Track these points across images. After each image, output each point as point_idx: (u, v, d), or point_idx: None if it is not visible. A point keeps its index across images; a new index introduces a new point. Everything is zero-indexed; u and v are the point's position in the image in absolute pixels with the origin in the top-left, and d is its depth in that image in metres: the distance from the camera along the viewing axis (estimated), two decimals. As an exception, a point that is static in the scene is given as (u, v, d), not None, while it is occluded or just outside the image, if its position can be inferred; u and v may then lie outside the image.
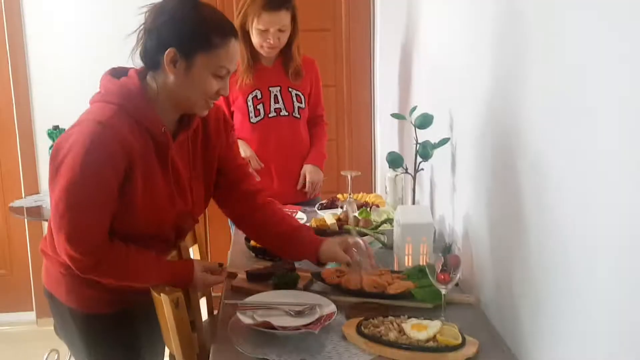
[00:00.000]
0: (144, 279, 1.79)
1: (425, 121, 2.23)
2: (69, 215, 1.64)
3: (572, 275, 1.31)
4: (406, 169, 2.30)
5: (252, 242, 2.31)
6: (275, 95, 2.95)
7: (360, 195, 2.87)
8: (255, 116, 2.93)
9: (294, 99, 2.97)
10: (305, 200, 3.05)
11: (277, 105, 2.95)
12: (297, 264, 2.09)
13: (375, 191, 3.92)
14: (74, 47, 3.84)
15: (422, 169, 2.28)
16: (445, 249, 1.81)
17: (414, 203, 2.33)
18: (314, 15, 3.78)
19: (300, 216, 2.69)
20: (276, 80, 2.95)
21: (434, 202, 2.42)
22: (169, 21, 1.66)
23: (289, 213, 2.25)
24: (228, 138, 1.98)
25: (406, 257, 2.07)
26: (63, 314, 1.89)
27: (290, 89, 2.97)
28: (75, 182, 1.62)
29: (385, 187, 2.61)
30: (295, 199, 3.02)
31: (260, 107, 2.93)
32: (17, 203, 3.58)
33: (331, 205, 2.81)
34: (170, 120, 1.77)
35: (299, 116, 2.99)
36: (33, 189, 3.92)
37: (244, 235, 2.37)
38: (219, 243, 3.91)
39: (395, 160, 2.27)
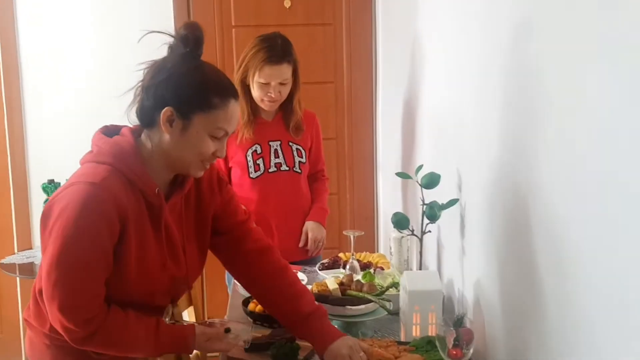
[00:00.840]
0: (143, 348, 1.70)
1: (432, 181, 2.13)
2: (62, 282, 1.56)
3: (596, 347, 1.19)
4: (412, 231, 2.19)
5: (250, 307, 2.19)
6: (276, 150, 2.86)
7: (363, 254, 2.76)
8: (255, 171, 2.84)
9: (295, 153, 2.89)
10: (306, 259, 2.94)
11: (277, 160, 2.86)
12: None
13: (378, 249, 3.80)
14: (71, 100, 3.77)
15: (429, 231, 2.17)
16: (456, 321, 1.69)
17: (420, 267, 2.22)
18: (315, 67, 3.72)
19: (301, 277, 2.57)
20: (276, 135, 2.87)
21: (441, 265, 2.31)
22: (168, 79, 1.62)
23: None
24: (223, 196, 1.90)
25: (414, 327, 1.95)
26: None
27: (290, 143, 2.89)
28: (68, 247, 1.55)
29: (390, 248, 2.49)
30: (296, 256, 2.90)
31: (260, 161, 2.84)
32: (8, 259, 3.47)
33: (333, 265, 2.70)
34: (163, 181, 1.72)
35: (300, 171, 2.90)
36: (26, 244, 3.80)
37: (242, 299, 2.25)
38: (216, 302, 3.77)
39: (400, 222, 2.17)
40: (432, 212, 2.10)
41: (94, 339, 1.61)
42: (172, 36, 1.66)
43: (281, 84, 2.73)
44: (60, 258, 1.56)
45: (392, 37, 3.40)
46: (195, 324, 1.82)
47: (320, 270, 2.65)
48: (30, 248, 3.75)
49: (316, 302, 1.91)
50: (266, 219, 2.84)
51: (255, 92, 2.75)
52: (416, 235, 2.19)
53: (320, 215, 2.95)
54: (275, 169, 2.86)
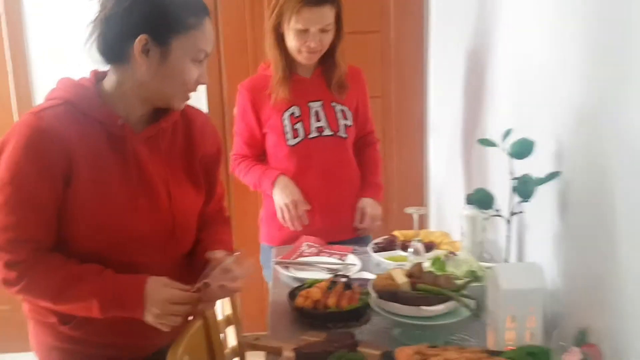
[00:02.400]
0: (80, 298, 1.52)
1: (524, 149, 1.71)
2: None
3: None
4: (498, 211, 1.77)
5: (298, 302, 1.79)
6: (317, 112, 2.45)
7: (422, 232, 2.35)
8: (293, 137, 2.43)
9: (339, 115, 2.47)
10: (353, 238, 2.54)
11: (319, 124, 2.45)
12: (359, 336, 1.62)
13: (429, 224, 3.37)
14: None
15: (521, 212, 1.75)
16: (579, 336, 1.27)
17: (507, 255, 1.80)
18: (357, 14, 3.25)
19: (354, 261, 2.18)
20: (317, 94, 2.46)
21: (524, 253, 1.89)
22: (135, 4, 1.46)
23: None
24: (215, 148, 1.79)
25: (506, 332, 1.54)
26: None
27: (333, 104, 2.47)
28: (2, 183, 1.47)
29: (461, 227, 2.07)
30: (342, 234, 2.52)
31: (298, 126, 2.43)
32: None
33: (388, 245, 2.30)
34: (137, 116, 1.60)
35: (345, 135, 2.48)
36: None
37: (287, 290, 1.89)
38: (253, 297, 3.38)
39: (483, 200, 1.75)
40: (526, 188, 1.67)
41: (19, 284, 1.50)
42: None
43: (322, 30, 2.31)
44: None
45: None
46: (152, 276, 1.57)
47: (374, 252, 2.25)
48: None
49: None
50: (306, 192, 2.45)
51: (291, 42, 2.33)
52: (503, 217, 1.76)
53: (376, 191, 2.58)
54: (316, 134, 2.45)
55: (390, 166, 3.49)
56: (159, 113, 1.64)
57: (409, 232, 2.38)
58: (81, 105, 1.52)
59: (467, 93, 2.61)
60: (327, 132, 2.45)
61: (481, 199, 1.75)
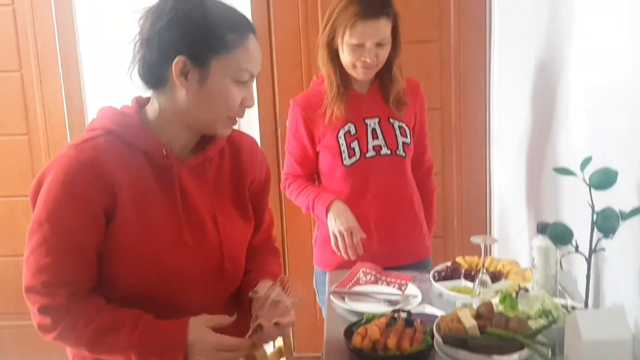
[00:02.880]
0: (116, 346, 1.41)
1: (606, 179, 1.53)
2: (29, 262, 1.40)
3: None
4: (577, 248, 1.60)
5: (355, 341, 1.66)
6: (374, 129, 2.32)
7: (489, 259, 2.19)
8: (350, 157, 2.30)
9: (398, 132, 2.33)
10: (412, 263, 2.40)
11: (376, 142, 2.31)
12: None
13: (491, 251, 3.20)
14: None
15: (603, 249, 1.58)
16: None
17: (587, 298, 1.62)
18: (415, 23, 3.13)
19: (414, 292, 2.04)
20: (374, 110, 2.32)
21: (604, 294, 1.72)
22: (171, 24, 1.38)
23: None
24: (263, 175, 1.70)
25: (588, 387, 1.38)
26: None
27: (391, 120, 2.33)
28: (37, 222, 1.38)
29: (533, 259, 1.91)
30: (401, 259, 2.38)
31: (354, 144, 2.30)
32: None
33: (451, 274, 2.14)
34: (181, 144, 1.51)
35: (404, 154, 2.34)
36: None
37: (343, 325, 1.75)
38: (304, 329, 3.27)
39: (562, 236, 1.58)
40: (609, 224, 1.50)
41: (55, 329, 1.40)
42: None
43: (378, 44, 2.18)
44: (31, 231, 1.39)
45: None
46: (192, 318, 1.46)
47: (435, 280, 2.10)
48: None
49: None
50: (364, 215, 2.32)
51: (346, 57, 2.20)
52: (582, 254, 1.60)
53: (430, 227, 2.55)
54: (374, 153, 2.31)
55: (449, 182, 3.34)
56: (204, 140, 1.55)
57: (473, 259, 2.23)
58: (124, 135, 1.44)
59: (536, 108, 2.43)
60: (384, 150, 2.32)
61: (559, 235, 1.58)
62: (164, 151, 1.46)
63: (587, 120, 1.88)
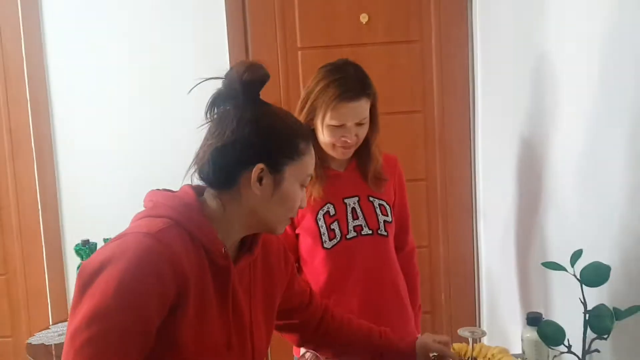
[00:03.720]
0: None
1: (598, 275, 1.43)
2: (90, 350, 1.25)
3: None
4: (569, 348, 1.49)
5: None
6: (353, 209, 2.21)
7: (477, 347, 2.06)
8: (330, 239, 2.19)
9: (378, 210, 2.23)
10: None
11: (356, 222, 2.20)
12: None
13: (480, 322, 3.08)
14: (107, 154, 3.34)
15: (597, 351, 1.46)
16: None
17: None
18: (399, 94, 3.09)
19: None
20: (352, 189, 2.22)
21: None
22: (253, 133, 1.41)
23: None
24: (289, 268, 1.72)
25: None
26: None
27: (371, 199, 2.23)
28: (107, 307, 1.26)
29: (523, 352, 1.79)
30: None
31: (334, 226, 2.19)
32: (38, 337, 2.93)
33: (440, 363, 2.01)
34: (231, 243, 1.49)
35: (385, 233, 2.23)
36: (62, 315, 3.28)
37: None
38: None
39: (553, 336, 1.46)
40: (603, 324, 1.40)
41: None
42: (234, 83, 1.42)
43: (358, 124, 2.11)
44: (92, 317, 1.25)
45: (497, 55, 2.70)
46: None
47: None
48: (66, 320, 3.23)
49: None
50: (347, 299, 2.19)
51: (326, 138, 2.12)
52: (576, 355, 1.48)
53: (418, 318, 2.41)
54: (354, 234, 2.20)
55: (436, 255, 3.23)
56: (243, 240, 1.55)
57: (462, 347, 2.10)
58: (190, 228, 1.40)
59: (522, 183, 2.35)
60: (366, 230, 2.21)
61: (550, 335, 1.47)
62: (223, 250, 1.44)
63: (573, 206, 1.79)
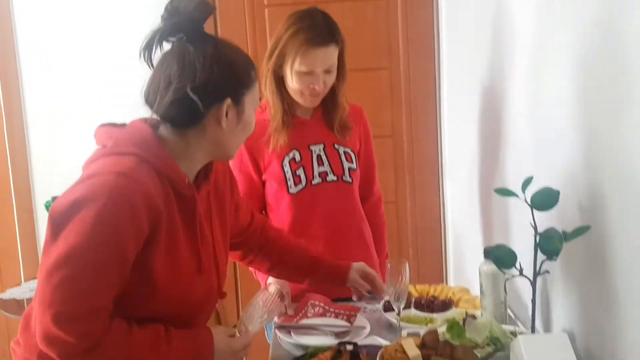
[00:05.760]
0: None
1: (547, 199, 1.50)
2: (66, 285, 1.32)
3: None
4: (521, 271, 1.55)
5: None
6: (319, 156, 2.26)
7: (440, 287, 2.15)
8: (295, 184, 2.23)
9: (343, 157, 2.28)
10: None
11: (321, 169, 2.25)
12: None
13: (447, 274, 3.15)
14: (75, 113, 3.35)
15: (547, 272, 1.53)
16: None
17: (533, 322, 1.57)
18: (365, 51, 3.12)
19: (362, 323, 1.98)
20: (318, 136, 2.27)
21: (552, 319, 1.67)
22: (218, 69, 1.44)
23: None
24: (235, 193, 1.81)
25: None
26: None
27: (337, 146, 2.28)
28: (82, 246, 1.31)
29: (481, 285, 1.86)
30: (350, 291, 2.29)
31: (300, 172, 2.24)
32: (9, 293, 2.96)
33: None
34: (193, 174, 1.56)
35: (350, 180, 2.29)
36: (33, 272, 3.29)
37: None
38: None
39: (504, 259, 1.53)
40: (552, 245, 1.46)
41: (91, 354, 1.36)
42: (182, 20, 1.44)
43: (327, 71, 2.14)
44: (70, 255, 1.31)
45: (462, 9, 2.74)
46: (211, 327, 1.63)
47: (385, 311, 2.03)
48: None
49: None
50: (311, 243, 2.22)
51: (294, 84, 2.15)
52: (527, 278, 1.55)
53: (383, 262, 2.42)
54: (319, 180, 2.25)
55: (402, 210, 3.29)
56: (207, 170, 1.62)
57: (424, 288, 2.18)
58: (154, 163, 1.44)
59: (484, 133, 2.41)
60: (330, 177, 2.26)
61: (501, 258, 1.54)
62: (186, 181, 1.49)
63: (529, 143, 1.85)
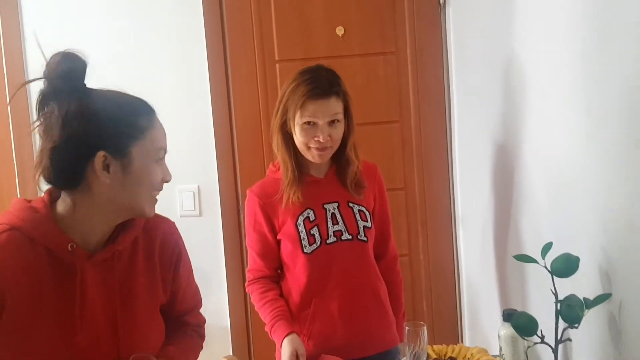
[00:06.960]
0: None
1: (568, 266, 1.48)
2: None
3: None
4: (542, 338, 1.53)
5: None
6: (333, 214, 2.25)
7: (457, 348, 2.10)
8: (310, 244, 2.22)
9: (357, 216, 2.27)
10: (381, 353, 2.29)
11: (336, 227, 2.24)
12: None
13: (462, 339, 3.10)
14: None
15: (569, 339, 1.50)
16: None
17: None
18: (376, 105, 3.12)
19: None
20: (332, 195, 2.26)
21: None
22: (85, 123, 1.38)
23: None
24: (174, 258, 1.65)
25: None
26: None
27: (351, 204, 2.27)
28: None
29: (500, 349, 1.82)
30: (367, 350, 2.27)
31: (314, 231, 2.22)
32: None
33: (419, 365, 2.03)
34: (97, 238, 1.49)
35: (365, 239, 2.27)
36: None
37: None
38: None
39: (526, 327, 1.51)
40: (573, 313, 1.44)
41: None
42: (48, 79, 1.40)
43: (330, 123, 2.14)
44: None
45: (471, 64, 2.76)
46: None
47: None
48: None
49: None
50: (327, 303, 2.23)
51: (299, 138, 2.16)
52: (549, 345, 1.52)
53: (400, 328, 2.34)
54: (334, 239, 2.23)
55: (416, 264, 3.25)
56: (116, 233, 1.53)
57: (442, 348, 2.14)
58: (28, 231, 1.41)
59: (497, 187, 2.40)
60: (345, 236, 2.25)
61: (524, 326, 1.51)
62: (69, 247, 1.43)
63: (544, 204, 1.84)
